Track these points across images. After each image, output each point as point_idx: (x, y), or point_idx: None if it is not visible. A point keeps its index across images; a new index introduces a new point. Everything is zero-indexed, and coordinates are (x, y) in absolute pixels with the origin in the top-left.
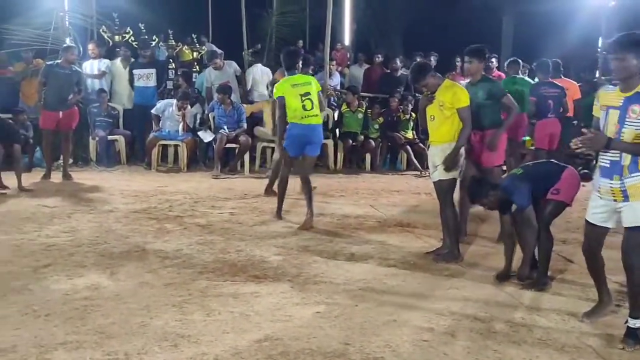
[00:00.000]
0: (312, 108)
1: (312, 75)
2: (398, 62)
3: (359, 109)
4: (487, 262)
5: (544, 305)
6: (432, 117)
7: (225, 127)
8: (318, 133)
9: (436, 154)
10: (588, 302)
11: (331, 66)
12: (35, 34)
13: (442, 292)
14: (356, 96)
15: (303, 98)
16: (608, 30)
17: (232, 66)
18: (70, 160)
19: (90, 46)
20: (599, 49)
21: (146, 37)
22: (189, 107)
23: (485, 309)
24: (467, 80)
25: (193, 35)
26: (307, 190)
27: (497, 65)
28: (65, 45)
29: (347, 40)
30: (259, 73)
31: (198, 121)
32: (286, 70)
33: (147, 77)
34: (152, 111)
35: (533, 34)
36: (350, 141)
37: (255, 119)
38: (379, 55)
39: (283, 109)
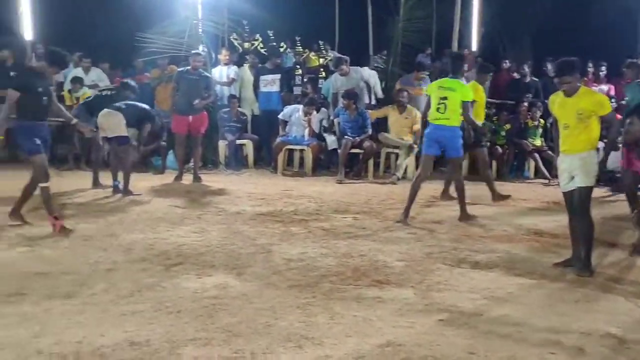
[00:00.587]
0: (445, 112)
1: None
2: (526, 67)
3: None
4: (620, 274)
5: None
6: (565, 125)
7: (349, 133)
8: (446, 135)
9: (574, 163)
10: None
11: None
12: (170, 41)
13: (571, 305)
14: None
15: (440, 101)
16: None
17: (358, 72)
18: (200, 163)
19: (223, 53)
20: None
21: (274, 43)
22: (314, 112)
23: (617, 323)
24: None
25: (320, 41)
26: (458, 193)
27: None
28: (192, 51)
29: (474, 45)
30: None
31: (323, 127)
32: (451, 72)
33: (272, 83)
34: (279, 116)
35: None
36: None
37: (380, 125)
38: (507, 61)
39: (426, 108)
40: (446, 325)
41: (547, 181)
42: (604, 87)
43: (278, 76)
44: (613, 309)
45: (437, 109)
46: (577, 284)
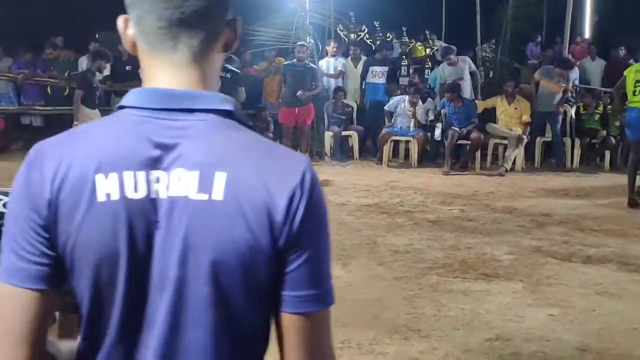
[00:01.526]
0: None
1: None
2: None
3: (597, 110)
4: None
5: None
6: None
7: (456, 124)
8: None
9: None
10: None
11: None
12: (278, 34)
13: None
14: (592, 97)
15: (637, 84)
16: None
17: (467, 62)
18: (307, 155)
19: (331, 45)
20: None
21: (380, 34)
22: (420, 102)
23: None
24: None
25: (426, 31)
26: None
27: None
28: (298, 43)
29: (587, 33)
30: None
31: (430, 117)
32: None
33: (380, 74)
34: (385, 107)
35: None
36: (588, 138)
37: (488, 115)
38: (622, 48)
39: (619, 87)
40: (556, 321)
41: None
42: None
43: (386, 68)
44: None
45: (633, 92)
46: None
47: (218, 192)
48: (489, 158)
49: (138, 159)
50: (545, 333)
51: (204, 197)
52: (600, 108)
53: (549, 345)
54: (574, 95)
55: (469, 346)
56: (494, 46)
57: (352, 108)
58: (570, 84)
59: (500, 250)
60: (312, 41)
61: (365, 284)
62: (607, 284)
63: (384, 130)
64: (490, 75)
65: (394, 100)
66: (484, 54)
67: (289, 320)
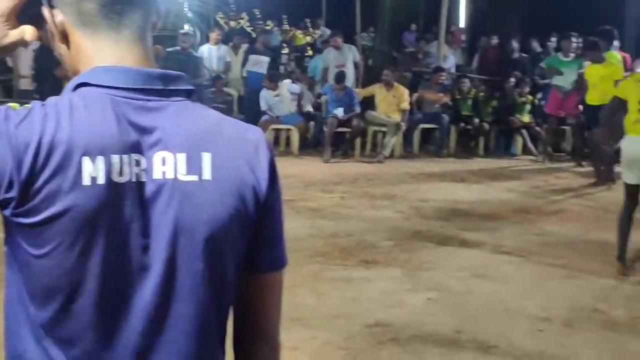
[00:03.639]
0: None
1: None
2: (514, 44)
3: (469, 95)
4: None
5: None
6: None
7: (341, 109)
8: None
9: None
10: None
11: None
12: None
13: (559, 281)
14: (466, 82)
15: None
16: None
17: (352, 50)
18: None
19: (213, 33)
20: None
21: (261, 22)
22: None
23: (605, 299)
24: None
25: (306, 20)
26: None
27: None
28: (180, 31)
29: (462, 22)
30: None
31: (306, 102)
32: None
33: (261, 63)
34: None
35: None
36: (463, 124)
37: (367, 103)
38: (495, 38)
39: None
40: (435, 304)
41: (534, 158)
42: None
43: (268, 57)
44: (601, 285)
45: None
46: (563, 260)
47: (207, 173)
48: (368, 145)
49: (121, 142)
50: (423, 317)
51: (194, 178)
52: (472, 93)
53: (426, 329)
54: (450, 83)
55: (349, 333)
56: (373, 34)
57: (232, 97)
58: (448, 97)
59: (379, 236)
60: (192, 29)
61: None
62: (482, 266)
63: (263, 118)
64: (370, 64)
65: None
66: (363, 43)
67: (268, 280)
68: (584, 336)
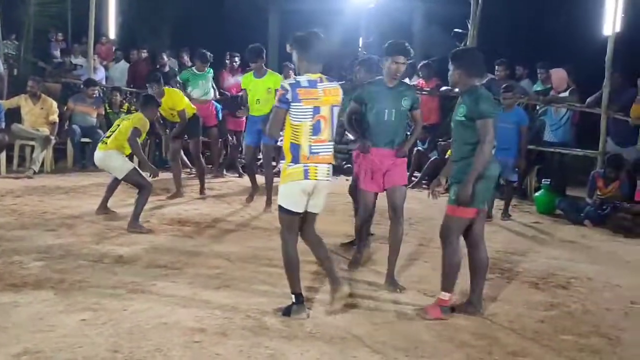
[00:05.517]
0: None
1: None
2: (165, 57)
3: (121, 109)
4: (254, 262)
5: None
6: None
7: None
8: None
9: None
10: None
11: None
12: None
13: (212, 292)
14: (118, 95)
15: None
16: (367, 31)
17: None
18: None
19: None
20: (359, 49)
21: None
22: None
23: (257, 305)
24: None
25: None
26: None
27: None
28: None
29: (112, 33)
30: None
31: None
32: None
33: None
34: None
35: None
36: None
37: (14, 116)
38: (145, 51)
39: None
40: (89, 325)
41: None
42: (239, 78)
43: None
44: (253, 292)
45: None
46: (218, 270)
47: None
48: (15, 160)
49: None
50: (77, 339)
51: None
52: (125, 107)
53: (81, 351)
54: (102, 95)
55: None
56: (16, 42)
57: None
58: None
59: (29, 256)
60: None
61: None
62: (139, 281)
63: None
64: (15, 74)
65: None
66: (6, 51)
67: None
68: (237, 344)
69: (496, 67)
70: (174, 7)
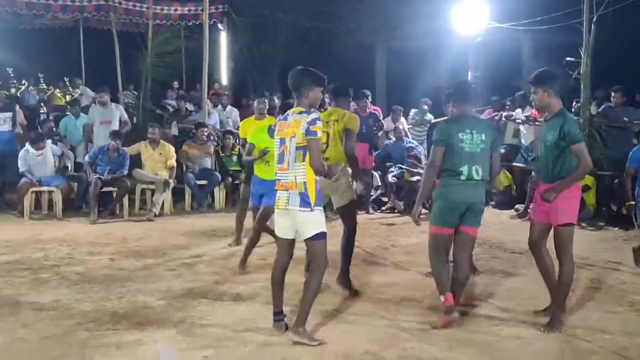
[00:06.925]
0: None
1: None
2: (276, 99)
3: (233, 152)
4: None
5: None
6: None
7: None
8: None
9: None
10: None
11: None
12: None
13: (332, 327)
14: (230, 138)
15: None
16: (475, 64)
17: (119, 109)
18: None
19: None
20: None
21: (14, 82)
22: (47, 147)
23: (375, 341)
24: None
25: (65, 78)
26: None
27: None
28: None
29: (224, 79)
30: None
31: (63, 164)
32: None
33: (3, 121)
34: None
35: (405, 69)
36: (231, 179)
37: (134, 161)
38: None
39: None
40: None
41: None
42: None
43: (9, 114)
44: (372, 329)
45: None
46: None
47: None
48: (137, 204)
49: None
50: None
51: None
52: (237, 150)
53: None
54: (216, 139)
55: None
56: (135, 92)
57: None
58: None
59: (152, 296)
60: None
61: (8, 350)
62: (257, 319)
63: (22, 180)
64: (135, 122)
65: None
66: (127, 101)
67: None
68: None
69: (612, 93)
70: (283, 51)
